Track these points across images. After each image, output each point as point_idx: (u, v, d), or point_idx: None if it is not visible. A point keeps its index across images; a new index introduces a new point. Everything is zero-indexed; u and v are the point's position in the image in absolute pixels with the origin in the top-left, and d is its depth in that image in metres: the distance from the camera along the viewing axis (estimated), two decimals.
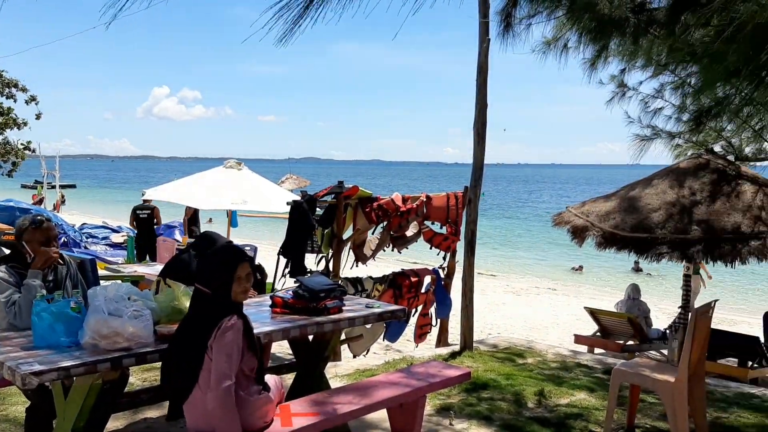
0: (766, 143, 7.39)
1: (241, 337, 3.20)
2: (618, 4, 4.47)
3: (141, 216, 13.32)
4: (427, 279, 7.80)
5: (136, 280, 8.02)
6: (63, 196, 37.24)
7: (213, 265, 3.35)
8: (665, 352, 8.77)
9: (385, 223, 7.37)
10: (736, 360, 8.12)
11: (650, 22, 4.56)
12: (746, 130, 7.15)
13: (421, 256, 9.04)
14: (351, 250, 7.34)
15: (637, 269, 20.34)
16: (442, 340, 8.16)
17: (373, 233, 7.55)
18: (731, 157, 7.45)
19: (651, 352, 9.11)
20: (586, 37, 5.08)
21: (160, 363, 3.40)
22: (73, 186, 65.46)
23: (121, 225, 19.03)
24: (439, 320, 8.06)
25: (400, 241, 7.63)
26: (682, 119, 7.43)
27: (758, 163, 7.79)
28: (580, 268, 21.34)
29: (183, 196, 9.78)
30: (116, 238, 17.19)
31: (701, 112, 5.48)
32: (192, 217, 13.70)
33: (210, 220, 25.33)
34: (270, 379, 3.59)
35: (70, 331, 3.41)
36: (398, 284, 7.32)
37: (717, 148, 7.60)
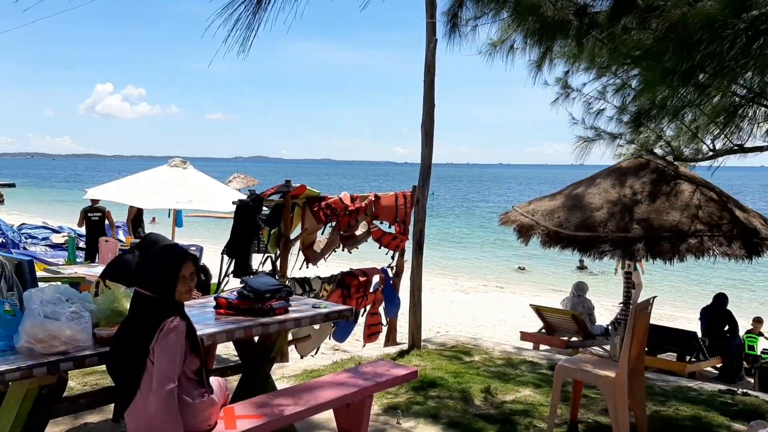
0: (703, 144, 7.62)
1: (184, 339, 3.14)
2: (561, 7, 4.56)
3: (92, 219, 12.88)
4: (376, 278, 7.80)
5: (77, 282, 7.80)
6: (1, 196, 36.01)
7: (155, 265, 3.29)
8: (608, 347, 8.98)
9: (334, 222, 7.34)
10: (675, 354, 8.38)
11: (592, 24, 4.67)
12: (684, 132, 7.37)
13: (370, 256, 9.04)
14: (300, 251, 7.29)
15: (582, 267, 20.69)
16: (390, 339, 8.17)
17: (322, 233, 7.51)
18: (670, 158, 7.66)
19: (594, 347, 9.31)
20: (531, 39, 5.17)
21: (106, 366, 3.31)
22: (12, 185, 63.14)
23: (62, 225, 18.48)
24: (388, 319, 8.07)
25: (349, 241, 7.61)
26: (623, 120, 7.61)
27: (696, 164, 8.02)
28: (523, 269, 21.59)
29: (126, 196, 9.57)
30: (57, 238, 16.69)
31: (641, 113, 5.62)
32: (135, 217, 13.39)
33: (153, 220, 24.81)
34: (214, 381, 3.53)
35: (5, 335, 3.29)
36: (347, 284, 7.31)
37: (657, 150, 7.81)
